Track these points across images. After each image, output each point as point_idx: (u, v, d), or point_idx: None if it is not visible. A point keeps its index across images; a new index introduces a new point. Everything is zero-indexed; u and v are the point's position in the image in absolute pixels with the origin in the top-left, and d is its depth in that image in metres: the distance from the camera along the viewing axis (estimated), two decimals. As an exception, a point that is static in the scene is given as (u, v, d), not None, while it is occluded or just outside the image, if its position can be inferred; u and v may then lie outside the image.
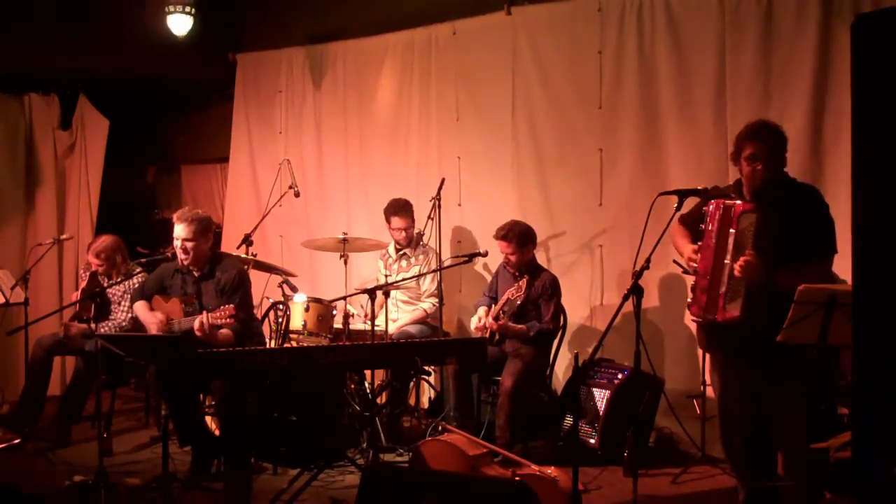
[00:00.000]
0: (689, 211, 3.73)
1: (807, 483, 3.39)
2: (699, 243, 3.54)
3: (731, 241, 3.39)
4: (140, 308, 4.94)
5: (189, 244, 4.69)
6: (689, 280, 5.06)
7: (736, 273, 3.35)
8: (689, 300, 3.58)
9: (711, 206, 3.48)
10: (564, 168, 5.73)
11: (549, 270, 5.22)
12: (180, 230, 4.70)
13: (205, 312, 4.52)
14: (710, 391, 4.69)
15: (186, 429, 4.67)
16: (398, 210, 5.72)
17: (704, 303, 3.47)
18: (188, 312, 4.73)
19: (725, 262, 3.40)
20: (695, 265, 3.52)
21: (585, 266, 5.63)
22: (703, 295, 3.48)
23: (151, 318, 4.82)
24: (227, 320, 4.48)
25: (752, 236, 3.36)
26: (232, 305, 4.50)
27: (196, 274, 4.81)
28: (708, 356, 3.86)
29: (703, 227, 3.51)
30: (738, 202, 3.42)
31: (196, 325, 4.49)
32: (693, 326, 5.16)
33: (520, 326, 4.98)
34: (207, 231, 4.79)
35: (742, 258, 3.34)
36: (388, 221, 5.76)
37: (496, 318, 4.99)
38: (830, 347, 3.22)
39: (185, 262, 4.76)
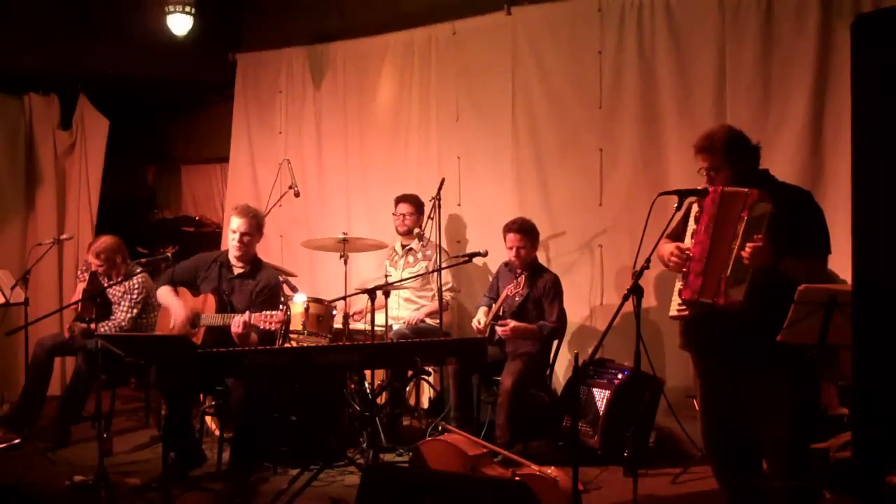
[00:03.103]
0: (671, 230, 3.66)
1: (794, 483, 3.36)
2: (690, 234, 3.48)
3: (741, 226, 3.31)
4: (166, 293, 4.80)
5: (247, 238, 4.70)
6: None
7: (745, 259, 3.28)
8: (679, 286, 3.50)
9: (709, 196, 3.43)
10: (564, 168, 5.73)
11: (551, 270, 5.22)
12: (239, 223, 4.69)
13: (248, 312, 4.45)
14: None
15: (179, 431, 4.62)
16: (406, 197, 5.86)
17: (700, 286, 3.39)
18: (219, 309, 4.66)
19: (732, 246, 3.32)
20: (687, 253, 3.44)
21: (585, 266, 5.63)
22: (697, 278, 3.40)
23: (179, 307, 4.68)
24: (274, 326, 4.44)
25: (766, 225, 3.27)
26: (281, 313, 4.47)
27: (237, 271, 4.77)
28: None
29: (697, 217, 3.46)
30: (752, 189, 3.34)
31: (238, 321, 4.41)
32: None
33: (531, 326, 4.98)
34: (261, 227, 4.80)
35: (751, 244, 3.27)
36: (396, 207, 5.87)
37: (496, 319, 4.99)
38: (830, 347, 3.20)
39: (238, 256, 4.73)
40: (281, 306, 5.42)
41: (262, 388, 4.51)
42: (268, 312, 4.44)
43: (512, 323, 4.94)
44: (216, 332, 4.56)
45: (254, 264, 4.80)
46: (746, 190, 3.34)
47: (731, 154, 3.47)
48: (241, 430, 4.50)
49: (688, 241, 3.49)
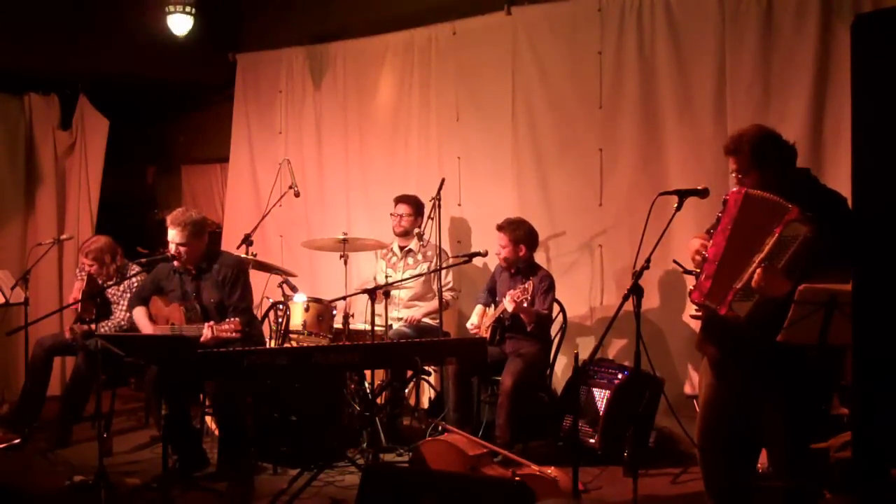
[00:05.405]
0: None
1: (794, 482, 3.34)
2: (710, 230, 3.35)
3: (771, 241, 3.13)
4: (140, 317, 4.88)
5: (183, 248, 4.66)
6: (690, 280, 5.09)
7: (753, 281, 3.15)
8: (690, 287, 3.40)
9: (733, 193, 3.28)
10: (564, 168, 5.73)
11: (546, 269, 5.22)
12: (174, 234, 4.66)
13: (212, 324, 4.51)
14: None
15: (180, 432, 4.63)
16: (405, 198, 5.84)
17: (708, 289, 3.27)
18: (189, 318, 4.71)
19: (754, 259, 3.16)
20: (704, 254, 3.31)
21: (585, 266, 5.63)
22: (707, 281, 3.27)
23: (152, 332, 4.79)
24: (234, 335, 4.47)
25: (794, 251, 3.10)
26: (238, 320, 4.51)
27: (193, 272, 4.78)
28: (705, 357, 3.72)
29: (720, 213, 3.31)
30: (794, 206, 3.12)
31: (203, 338, 4.48)
32: (693, 325, 5.19)
33: (533, 309, 4.98)
34: (201, 233, 4.74)
35: (764, 267, 3.11)
36: (394, 208, 5.86)
37: (498, 320, 4.99)
38: (831, 347, 3.17)
39: (179, 264, 4.74)
40: (280, 305, 5.47)
41: (239, 385, 4.52)
42: (228, 321, 4.50)
43: (515, 304, 4.88)
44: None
45: (208, 259, 4.78)
46: (789, 205, 3.14)
47: (759, 156, 3.28)
48: (223, 425, 4.55)
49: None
